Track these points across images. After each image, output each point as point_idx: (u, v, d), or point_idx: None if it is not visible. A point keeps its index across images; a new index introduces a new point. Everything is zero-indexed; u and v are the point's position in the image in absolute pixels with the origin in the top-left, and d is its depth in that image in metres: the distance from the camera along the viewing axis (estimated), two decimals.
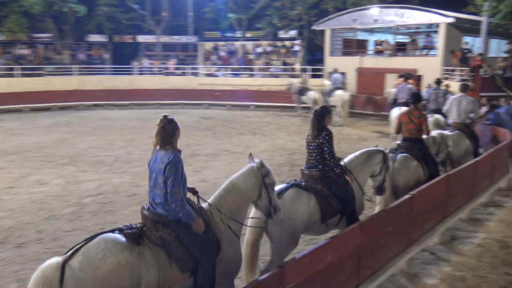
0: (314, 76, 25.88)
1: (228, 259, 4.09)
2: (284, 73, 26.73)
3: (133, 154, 12.71)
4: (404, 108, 12.13)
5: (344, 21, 24.13)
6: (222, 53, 29.09)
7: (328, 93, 18.90)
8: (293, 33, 29.24)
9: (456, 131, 8.99)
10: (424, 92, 13.74)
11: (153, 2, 30.94)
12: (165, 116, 4.00)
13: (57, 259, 3.46)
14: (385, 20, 22.48)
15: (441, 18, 20.04)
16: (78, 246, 3.54)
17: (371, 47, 25.66)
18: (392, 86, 17.55)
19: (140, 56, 30.11)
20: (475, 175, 7.72)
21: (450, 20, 19.67)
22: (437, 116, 10.76)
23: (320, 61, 29.48)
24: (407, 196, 5.68)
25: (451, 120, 9.45)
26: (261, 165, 4.40)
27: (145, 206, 4.00)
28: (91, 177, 10.31)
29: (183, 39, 31.14)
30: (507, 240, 6.91)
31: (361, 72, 23.12)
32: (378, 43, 23.92)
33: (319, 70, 26.29)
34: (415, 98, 7.47)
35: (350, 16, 23.80)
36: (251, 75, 26.75)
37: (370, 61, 23.28)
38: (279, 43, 29.22)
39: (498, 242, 6.83)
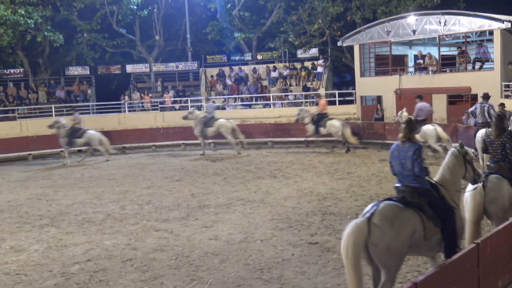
0: (342, 103, 26.13)
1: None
2: (307, 101, 26.96)
3: (127, 209, 12.77)
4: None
5: (376, 34, 24.46)
6: (229, 81, 29.55)
7: (205, 123, 21.53)
8: (314, 51, 29.56)
9: None
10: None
11: (144, 24, 31.81)
12: (408, 117, 6.88)
13: (362, 219, 5.87)
14: (425, 29, 22.76)
15: (495, 24, 20.24)
16: (370, 210, 5.95)
17: (411, 63, 25.86)
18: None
19: (130, 89, 30.73)
20: None
21: (507, 25, 19.82)
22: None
23: (350, 83, 29.79)
24: (471, 246, 5.63)
25: None
26: (460, 147, 6.82)
27: (397, 184, 6.51)
28: (78, 239, 10.36)
29: (181, 66, 31.77)
30: None
31: (401, 94, 23.22)
32: (419, 57, 24.13)
33: (350, 94, 26.51)
34: None
35: (382, 28, 24.14)
36: (266, 105, 27.03)
37: (412, 81, 23.44)
38: (298, 65, 29.59)
39: None
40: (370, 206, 6.11)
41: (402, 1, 26.46)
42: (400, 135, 6.54)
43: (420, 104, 18.13)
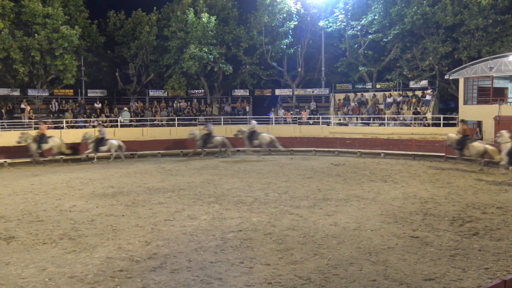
0: (446, 125, 24.35)
1: None
2: (415, 122, 25.53)
3: (270, 196, 13.01)
4: None
5: (480, 70, 22.41)
6: (353, 104, 28.90)
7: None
8: (424, 82, 27.85)
9: None
10: None
11: (290, 59, 32.36)
12: None
13: None
14: None
15: None
16: None
17: (510, 94, 23.33)
18: None
19: (277, 107, 31.39)
20: None
21: None
22: None
23: (454, 109, 27.64)
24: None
25: None
26: None
27: None
28: (233, 215, 10.78)
29: (316, 91, 31.76)
30: None
31: (500, 121, 20.98)
32: None
33: (453, 119, 24.67)
34: None
35: (486, 65, 22.05)
36: (382, 124, 26.04)
37: (510, 109, 21.06)
38: (409, 93, 28.06)
39: None
40: None
41: (506, 42, 23.95)
42: None
43: None
